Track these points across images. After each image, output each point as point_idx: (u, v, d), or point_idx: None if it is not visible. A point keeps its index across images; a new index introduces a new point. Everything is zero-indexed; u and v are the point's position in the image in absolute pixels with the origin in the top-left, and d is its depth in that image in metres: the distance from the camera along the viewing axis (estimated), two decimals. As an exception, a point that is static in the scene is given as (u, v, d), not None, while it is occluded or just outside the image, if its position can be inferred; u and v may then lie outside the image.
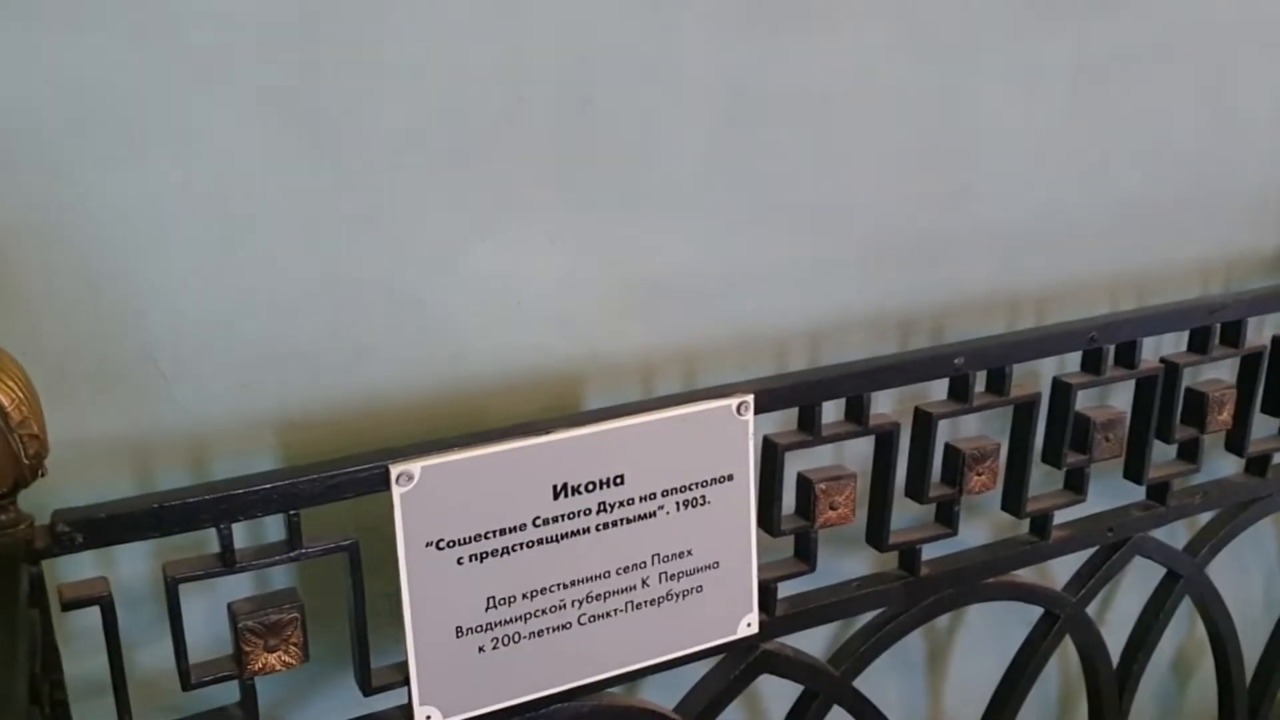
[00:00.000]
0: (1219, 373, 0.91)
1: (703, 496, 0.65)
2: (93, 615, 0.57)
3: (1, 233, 0.62)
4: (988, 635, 0.99)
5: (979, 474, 0.74)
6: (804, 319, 0.87)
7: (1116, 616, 1.08)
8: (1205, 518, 0.93)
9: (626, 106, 0.76)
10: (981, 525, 0.87)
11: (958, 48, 0.87)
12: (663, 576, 0.65)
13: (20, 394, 0.49)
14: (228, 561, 0.56)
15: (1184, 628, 1.17)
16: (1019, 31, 0.89)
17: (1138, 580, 0.99)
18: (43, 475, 0.52)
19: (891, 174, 0.87)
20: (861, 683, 0.78)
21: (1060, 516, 0.80)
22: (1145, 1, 0.94)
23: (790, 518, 0.70)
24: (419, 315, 0.73)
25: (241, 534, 0.60)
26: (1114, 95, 0.95)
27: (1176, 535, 0.95)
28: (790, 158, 0.83)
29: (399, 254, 0.71)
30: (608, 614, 0.64)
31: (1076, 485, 0.79)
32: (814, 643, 0.76)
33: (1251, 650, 1.04)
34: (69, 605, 0.53)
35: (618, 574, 0.63)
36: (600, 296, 0.79)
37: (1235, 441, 0.86)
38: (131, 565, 0.67)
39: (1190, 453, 0.84)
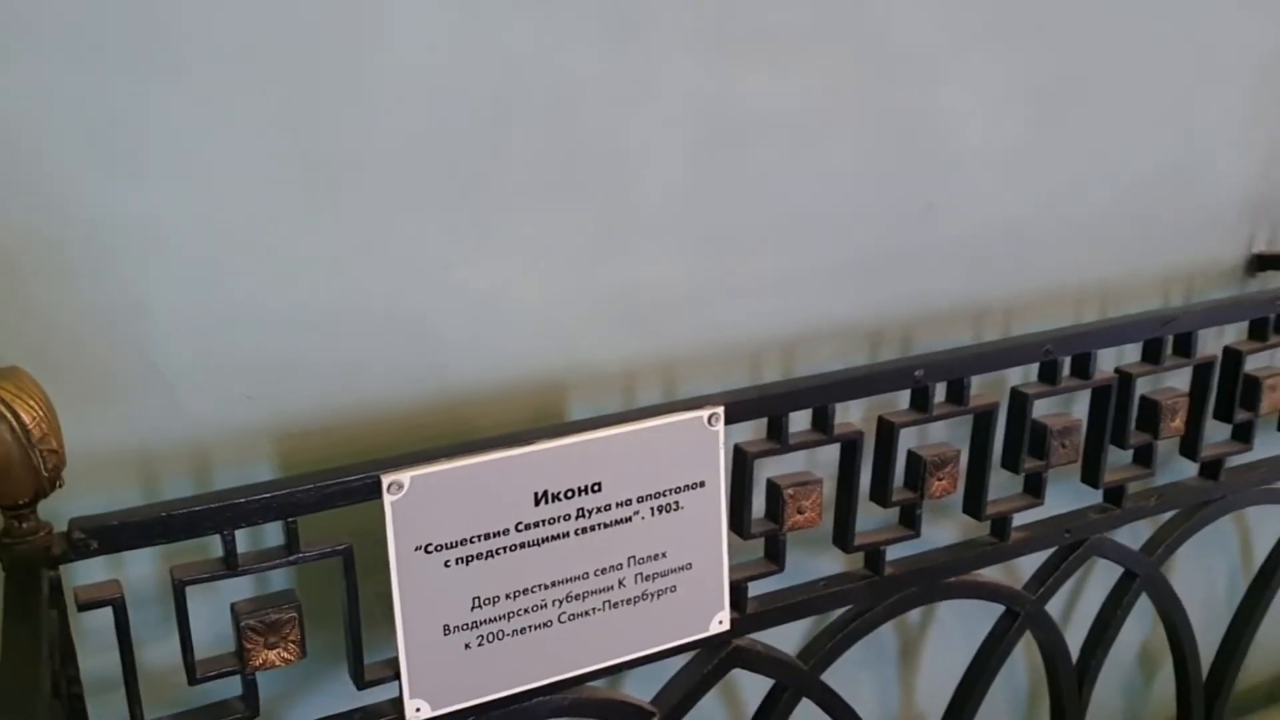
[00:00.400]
0: (1176, 381, 0.95)
1: (676, 502, 0.70)
2: (103, 615, 0.61)
3: (17, 254, 0.66)
4: (958, 631, 1.03)
5: (940, 479, 0.79)
6: (777, 330, 0.92)
7: (1081, 614, 1.12)
8: (1165, 518, 0.98)
9: (608, 131, 0.80)
10: (944, 527, 0.91)
11: (923, 71, 0.91)
12: (638, 577, 0.69)
13: (40, 412, 0.53)
14: (231, 565, 0.60)
15: (1148, 624, 1.21)
16: (983, 54, 0.93)
17: (1102, 578, 1.04)
18: (60, 486, 0.56)
19: (860, 192, 0.91)
20: (834, 676, 0.83)
21: (1020, 519, 0.85)
22: (1107, 25, 0.98)
23: (760, 521, 0.75)
24: (410, 330, 0.77)
25: (242, 538, 0.64)
26: (1076, 115, 1.00)
27: (1139, 534, 0.99)
28: (763, 178, 0.87)
29: (391, 273, 0.76)
30: (587, 613, 0.68)
31: (1034, 489, 0.84)
32: (785, 639, 0.80)
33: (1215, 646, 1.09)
34: (85, 606, 0.57)
35: (596, 575, 0.68)
36: (582, 310, 0.83)
37: (1189, 447, 0.91)
38: (137, 568, 0.72)
39: (1145, 458, 0.88)
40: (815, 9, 0.84)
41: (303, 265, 0.73)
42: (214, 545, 0.63)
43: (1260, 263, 1.13)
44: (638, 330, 0.86)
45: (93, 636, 0.68)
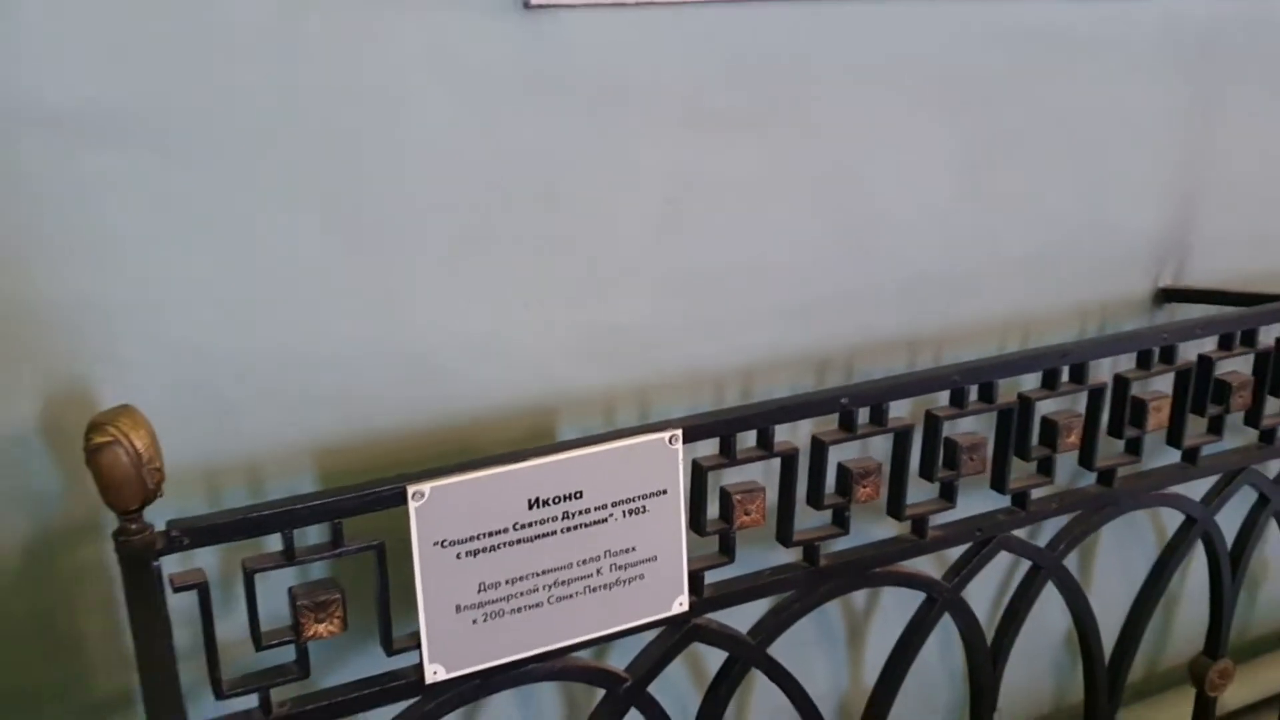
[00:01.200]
0: (1077, 404, 1.11)
1: (644, 506, 0.86)
2: (178, 598, 0.77)
3: (103, 314, 0.82)
4: (896, 617, 1.20)
5: (864, 486, 0.95)
6: (737, 361, 1.08)
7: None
8: (1069, 519, 1.14)
9: (590, 195, 0.96)
10: (872, 527, 1.08)
11: (861, 138, 1.07)
12: (613, 567, 0.85)
13: (149, 439, 0.69)
14: (289, 557, 0.76)
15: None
16: (913, 122, 1.09)
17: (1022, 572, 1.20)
18: (160, 497, 0.72)
19: (807, 244, 1.08)
20: (786, 654, 0.98)
21: (937, 519, 1.01)
22: (1026, 93, 1.14)
23: (714, 521, 0.91)
24: (423, 366, 0.94)
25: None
26: (1001, 171, 1.16)
27: (1050, 533, 1.15)
28: (723, 233, 1.03)
29: (406, 319, 0.92)
30: (571, 596, 0.84)
31: (948, 495, 1.00)
32: (739, 619, 0.96)
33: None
34: (179, 589, 0.73)
35: (578, 565, 0.84)
36: (569, 347, 0.99)
37: (1086, 459, 1.07)
38: (201, 560, 0.88)
39: (1046, 468, 1.04)
40: (765, 93, 1.01)
41: (334, 314, 0.90)
42: (269, 542, 0.79)
43: (1166, 296, 1.29)
44: (616, 363, 1.02)
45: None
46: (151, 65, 0.79)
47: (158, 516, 0.74)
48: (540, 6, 0.89)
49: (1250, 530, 1.22)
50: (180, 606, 0.76)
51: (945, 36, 1.08)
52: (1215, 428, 1.13)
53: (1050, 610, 1.24)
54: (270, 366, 0.89)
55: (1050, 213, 1.20)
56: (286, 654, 0.79)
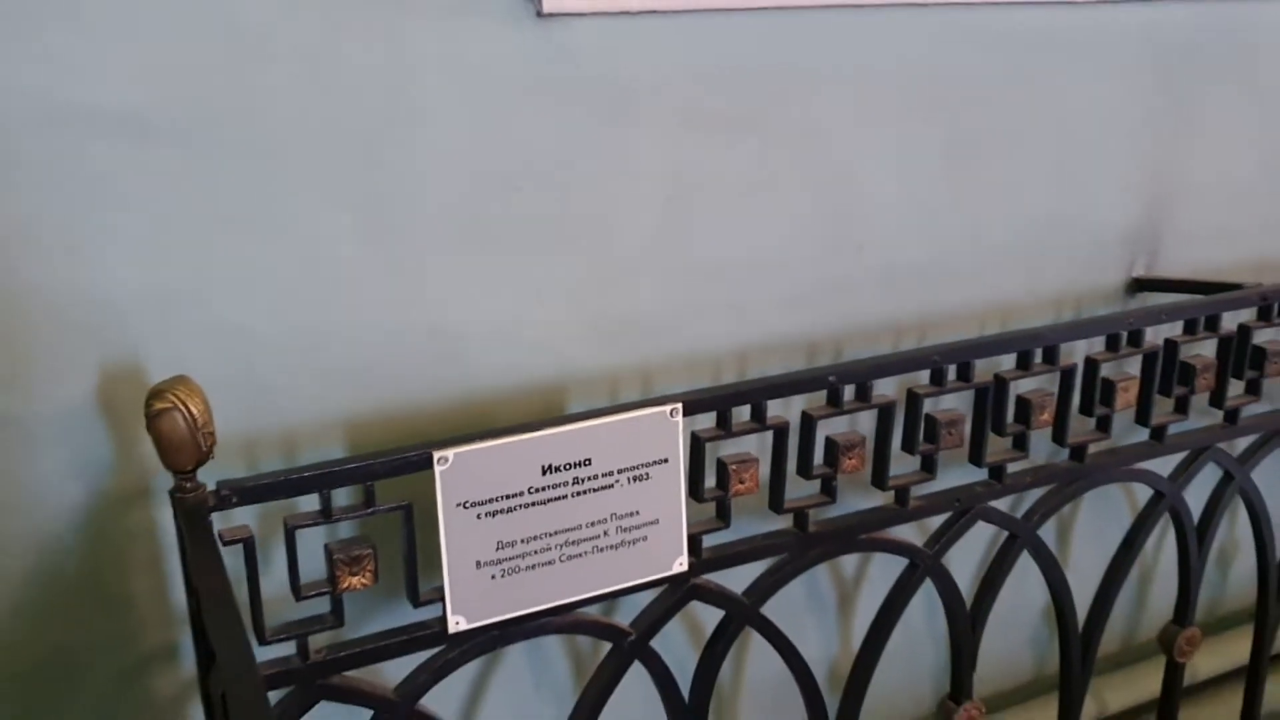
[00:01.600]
0: (1051, 385, 1.19)
1: (647, 473, 0.94)
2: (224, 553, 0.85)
3: (152, 298, 0.90)
4: (883, 584, 1.27)
5: (850, 458, 1.03)
6: (734, 345, 1.16)
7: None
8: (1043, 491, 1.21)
9: (598, 192, 1.04)
10: (858, 497, 1.15)
11: (852, 137, 1.15)
12: (618, 529, 0.93)
13: (203, 405, 0.77)
14: (327, 515, 0.84)
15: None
16: (899, 121, 1.17)
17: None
18: (211, 459, 0.80)
19: (799, 235, 1.16)
20: (779, 615, 1.06)
21: (919, 490, 1.09)
22: (1003, 93, 1.22)
23: (711, 490, 0.99)
24: (447, 347, 1.02)
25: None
26: (980, 166, 1.24)
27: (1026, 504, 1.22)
28: (721, 226, 1.11)
29: (432, 305, 1.00)
30: (580, 555, 0.92)
31: (929, 467, 1.08)
32: (735, 580, 1.04)
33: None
34: (229, 543, 0.81)
35: (586, 527, 0.92)
36: (578, 332, 1.07)
37: (1058, 435, 1.14)
38: (241, 518, 0.96)
39: (1021, 444, 1.12)
40: (760, 96, 1.09)
41: (363, 300, 0.97)
42: (305, 504, 0.87)
43: (1138, 285, 1.37)
44: (621, 347, 1.10)
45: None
46: (202, 74, 0.87)
47: (206, 479, 0.82)
48: (552, 15, 0.97)
49: (1216, 504, 1.30)
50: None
51: (930, 40, 1.16)
52: (1181, 408, 1.21)
53: (1030, 585, 1.32)
54: (304, 347, 0.96)
55: (1029, 206, 1.28)
56: (322, 605, 0.87)
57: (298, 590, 0.85)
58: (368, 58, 0.92)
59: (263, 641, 0.85)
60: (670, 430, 0.93)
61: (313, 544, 0.89)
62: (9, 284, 0.86)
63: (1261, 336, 1.24)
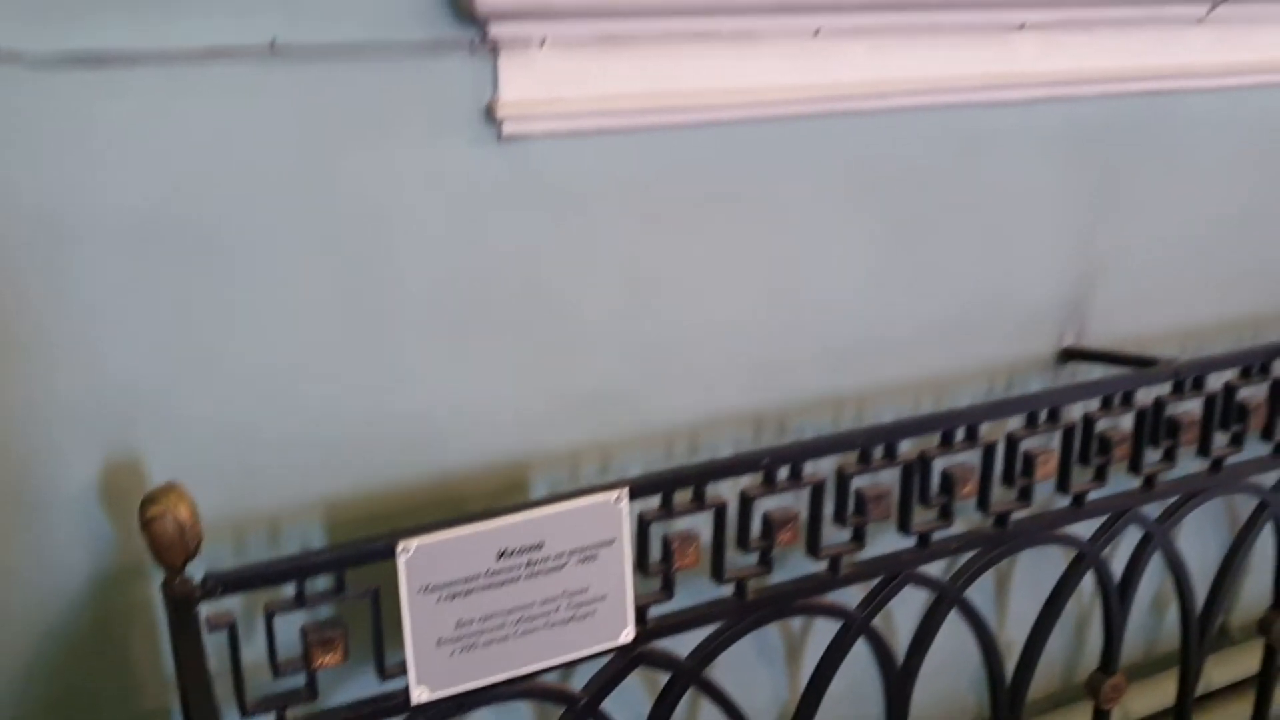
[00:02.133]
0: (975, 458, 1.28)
1: (595, 554, 1.03)
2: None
3: (151, 392, 1.00)
4: (830, 634, 1.37)
5: (785, 532, 1.12)
6: (688, 418, 1.26)
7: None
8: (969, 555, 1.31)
9: (561, 285, 1.14)
10: (795, 561, 1.25)
11: (797, 225, 1.25)
12: (569, 605, 1.03)
13: (190, 510, 0.87)
14: (301, 601, 0.94)
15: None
16: (841, 211, 1.27)
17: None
18: (198, 554, 0.90)
19: (749, 316, 1.25)
20: (728, 673, 1.16)
21: (851, 558, 1.18)
22: (936, 183, 1.32)
23: (656, 564, 1.08)
24: (419, 426, 1.12)
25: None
26: (915, 248, 1.33)
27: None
28: (676, 310, 1.21)
29: (407, 390, 1.10)
30: (534, 630, 1.02)
31: (859, 538, 1.17)
32: (681, 645, 1.14)
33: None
34: (213, 628, 0.91)
35: (539, 605, 1.01)
36: (543, 410, 1.17)
37: (982, 504, 1.24)
38: (227, 602, 1.05)
39: (946, 513, 1.22)
40: (710, 194, 1.19)
41: (343, 389, 1.07)
42: (284, 588, 0.97)
43: (1068, 355, 1.47)
44: (583, 423, 1.20)
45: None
46: (200, 190, 0.97)
47: (196, 565, 0.92)
48: (512, 137, 1.06)
49: (1137, 563, 1.40)
50: (210, 640, 0.94)
51: (870, 140, 1.25)
52: (1100, 476, 1.31)
53: (969, 636, 1.42)
54: (287, 435, 1.06)
55: (962, 284, 1.38)
56: (298, 680, 0.97)
57: (276, 668, 0.95)
58: (354, 174, 1.02)
59: (244, 714, 0.94)
60: (616, 515, 1.03)
61: (291, 623, 0.99)
62: (26, 382, 0.95)
63: (1176, 409, 1.34)
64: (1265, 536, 1.52)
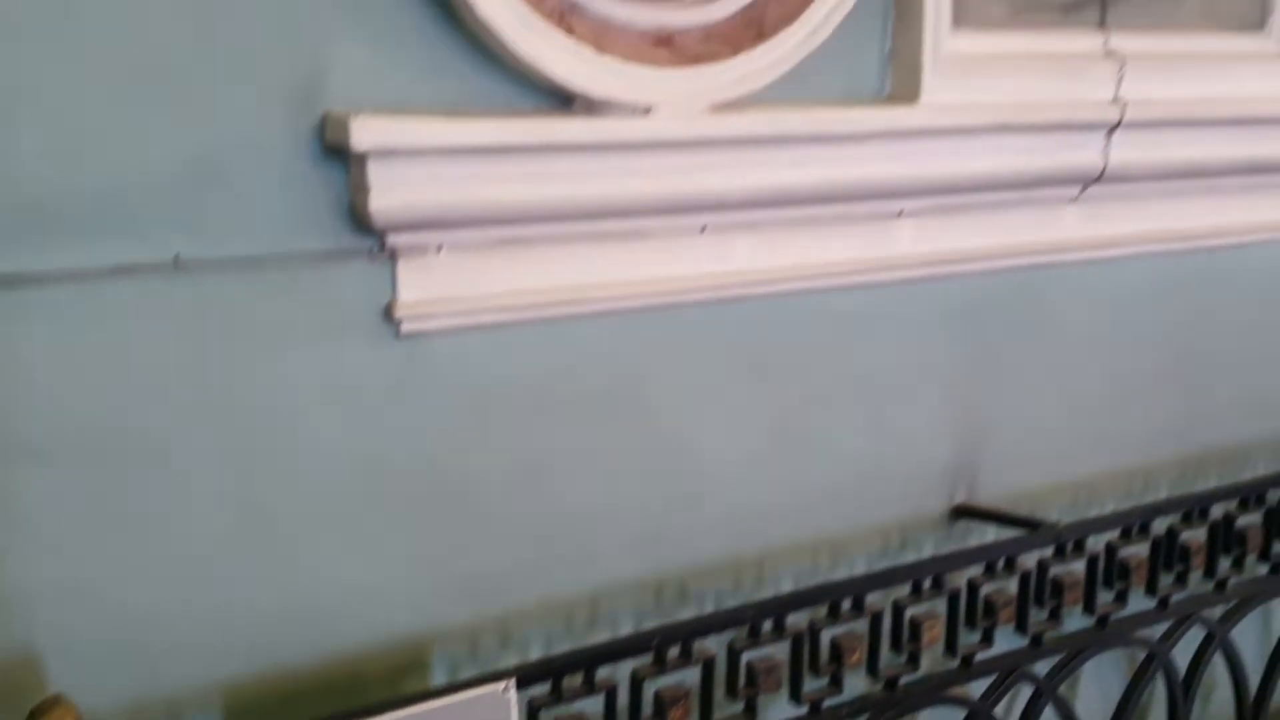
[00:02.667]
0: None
1: (486, 740, 1.07)
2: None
3: (50, 589, 1.03)
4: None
5: (677, 710, 1.16)
6: (585, 591, 1.30)
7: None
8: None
9: (457, 469, 1.19)
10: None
11: (687, 405, 1.31)
12: (459, 792, 1.06)
13: (77, 715, 0.90)
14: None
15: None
16: (732, 385, 1.34)
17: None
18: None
19: (646, 490, 1.30)
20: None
21: (744, 730, 1.22)
22: (822, 359, 1.39)
23: (547, 748, 1.12)
24: (316, 614, 1.15)
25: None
26: (806, 420, 1.40)
27: None
28: (573, 486, 1.26)
29: (304, 576, 1.13)
30: (424, 819, 1.04)
31: (751, 710, 1.21)
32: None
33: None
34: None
35: (429, 794, 1.04)
36: (441, 589, 1.21)
37: (871, 669, 1.29)
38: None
39: (836, 680, 1.26)
40: (603, 382, 1.25)
41: (244, 579, 1.11)
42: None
43: (959, 513, 1.53)
44: (480, 600, 1.24)
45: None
46: (107, 396, 1.01)
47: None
48: (410, 335, 1.12)
49: (1029, 717, 1.44)
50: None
51: (758, 321, 1.33)
52: (987, 638, 1.36)
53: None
54: (188, 624, 1.09)
55: (852, 451, 1.44)
56: None
57: None
58: (253, 380, 1.07)
59: None
60: (504, 705, 1.07)
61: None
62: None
63: (1060, 569, 1.40)
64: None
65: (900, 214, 1.38)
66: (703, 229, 1.26)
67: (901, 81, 1.32)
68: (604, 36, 1.13)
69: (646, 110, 1.15)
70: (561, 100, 1.15)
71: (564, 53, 1.10)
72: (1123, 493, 1.67)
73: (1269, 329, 1.77)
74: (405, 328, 1.12)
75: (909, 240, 1.39)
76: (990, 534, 1.53)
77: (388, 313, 1.11)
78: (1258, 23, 1.62)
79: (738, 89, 1.20)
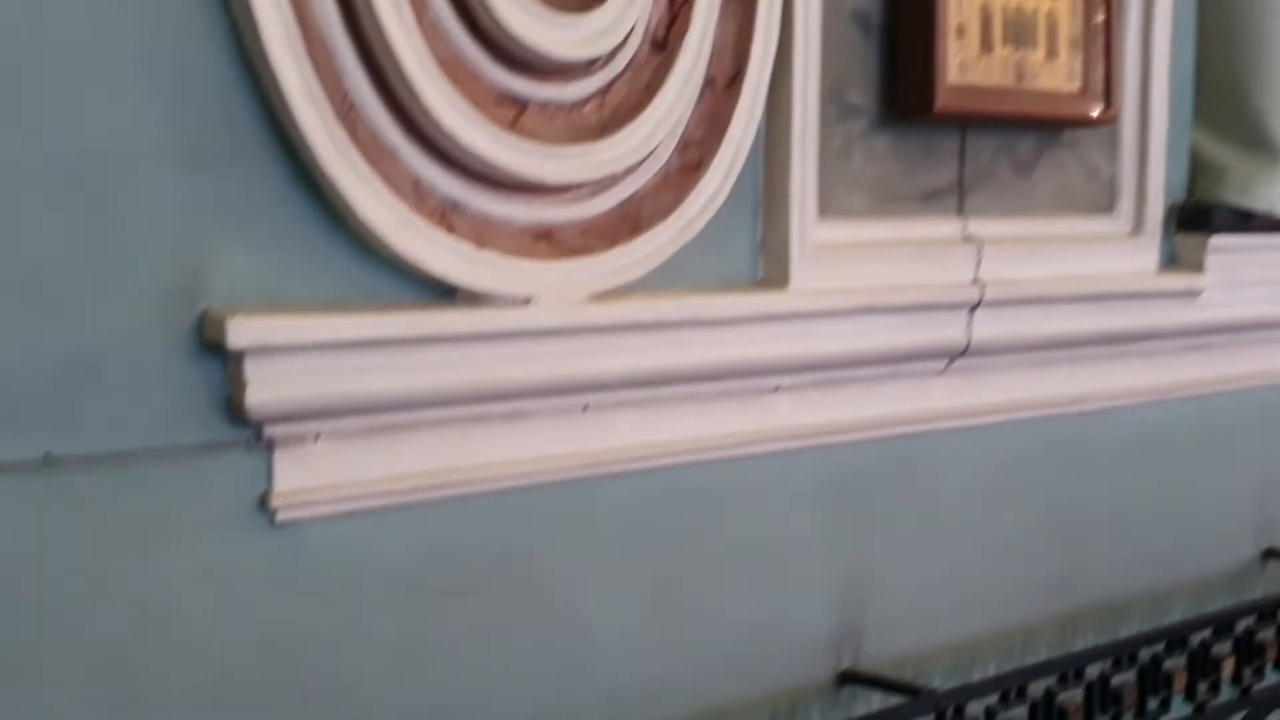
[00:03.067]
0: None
1: None
2: None
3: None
4: None
5: None
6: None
7: None
8: None
9: (331, 658, 1.17)
10: None
11: (570, 583, 1.32)
12: None
13: None
14: None
15: None
16: (612, 561, 1.35)
17: None
18: None
19: (525, 667, 1.30)
20: None
21: None
22: (703, 530, 1.42)
23: None
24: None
25: None
26: (688, 590, 1.42)
27: None
28: (451, 671, 1.25)
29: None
30: None
31: None
32: None
33: None
34: None
35: None
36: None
37: None
38: None
39: None
40: (486, 564, 1.26)
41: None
42: None
43: (845, 678, 1.55)
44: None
45: None
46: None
47: None
48: (285, 524, 1.13)
49: None
50: None
51: (639, 496, 1.36)
52: (873, 811, 1.37)
53: None
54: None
55: (739, 620, 1.46)
56: None
57: None
58: (123, 577, 1.05)
59: None
60: None
61: None
62: None
63: (942, 735, 1.43)
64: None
65: (776, 389, 1.43)
66: (585, 408, 1.29)
67: (772, 268, 1.39)
68: (484, 232, 1.19)
69: (526, 300, 1.20)
70: (443, 291, 1.19)
71: (444, 250, 1.15)
72: (1004, 653, 1.70)
73: (1136, 488, 1.85)
74: (281, 516, 1.12)
75: (786, 414, 1.45)
76: (877, 699, 1.55)
77: (263, 502, 1.12)
78: (1107, 206, 1.75)
79: (615, 279, 1.26)
